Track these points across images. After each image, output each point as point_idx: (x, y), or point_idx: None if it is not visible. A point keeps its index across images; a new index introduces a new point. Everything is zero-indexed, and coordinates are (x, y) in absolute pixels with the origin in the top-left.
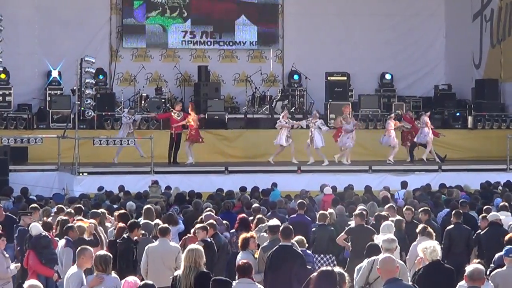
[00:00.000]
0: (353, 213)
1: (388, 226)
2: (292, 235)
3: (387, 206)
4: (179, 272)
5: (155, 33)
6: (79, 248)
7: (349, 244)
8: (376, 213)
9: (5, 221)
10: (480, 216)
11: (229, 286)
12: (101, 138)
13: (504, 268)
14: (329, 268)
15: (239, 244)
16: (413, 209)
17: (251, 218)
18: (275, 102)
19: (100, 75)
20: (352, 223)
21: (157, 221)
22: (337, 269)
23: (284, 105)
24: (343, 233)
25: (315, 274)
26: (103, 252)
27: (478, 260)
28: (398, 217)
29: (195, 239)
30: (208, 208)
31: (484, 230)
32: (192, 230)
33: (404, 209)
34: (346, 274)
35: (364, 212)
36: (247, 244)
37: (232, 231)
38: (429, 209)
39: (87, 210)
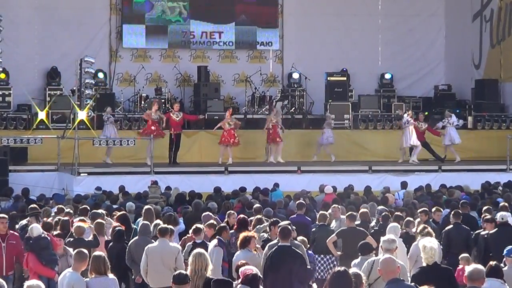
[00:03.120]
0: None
1: (394, 228)
2: (291, 235)
3: (333, 206)
4: None
5: (155, 33)
6: (75, 252)
7: (337, 250)
8: (383, 213)
9: None
10: (482, 217)
11: (230, 287)
12: (100, 138)
13: (506, 268)
14: (341, 268)
15: (238, 242)
16: (427, 211)
17: (250, 218)
18: (275, 102)
19: (100, 73)
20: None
21: (157, 221)
22: (354, 270)
23: (284, 105)
24: (333, 235)
25: (329, 276)
26: (99, 253)
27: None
28: (343, 217)
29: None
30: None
31: (493, 231)
32: (190, 231)
33: (419, 211)
34: (362, 274)
35: (354, 213)
36: (248, 243)
37: (231, 232)
38: (427, 209)
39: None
